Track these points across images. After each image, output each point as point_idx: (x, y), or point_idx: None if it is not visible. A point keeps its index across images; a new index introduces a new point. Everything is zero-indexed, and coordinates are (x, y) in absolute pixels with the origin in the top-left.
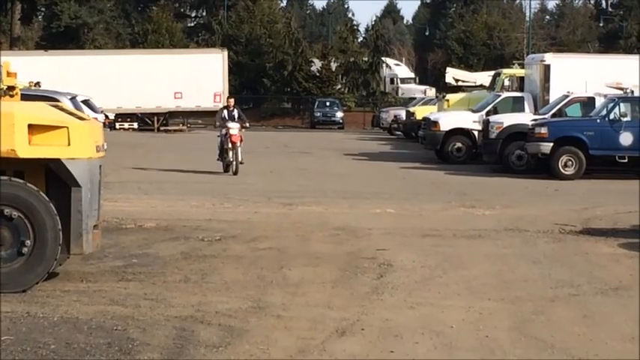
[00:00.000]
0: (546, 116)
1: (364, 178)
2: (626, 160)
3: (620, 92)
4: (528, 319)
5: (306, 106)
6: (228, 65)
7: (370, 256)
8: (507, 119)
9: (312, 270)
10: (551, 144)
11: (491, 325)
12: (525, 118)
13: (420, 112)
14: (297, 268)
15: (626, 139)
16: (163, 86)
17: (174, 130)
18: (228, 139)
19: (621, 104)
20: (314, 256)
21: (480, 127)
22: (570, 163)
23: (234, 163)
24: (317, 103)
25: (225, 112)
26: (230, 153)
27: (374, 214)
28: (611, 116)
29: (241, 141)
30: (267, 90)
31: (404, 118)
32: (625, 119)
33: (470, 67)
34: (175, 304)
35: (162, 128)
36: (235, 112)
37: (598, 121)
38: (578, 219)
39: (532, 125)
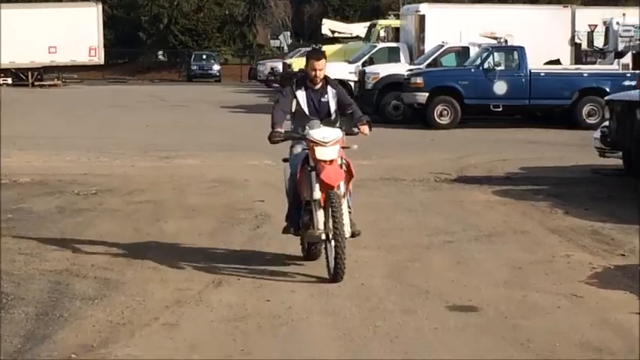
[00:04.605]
0: (422, 66)
1: (241, 131)
2: (500, 109)
3: (494, 42)
4: (403, 266)
5: (183, 60)
6: (103, 19)
7: (247, 208)
8: (383, 70)
9: (189, 222)
10: (427, 94)
11: (367, 272)
12: (401, 68)
13: (297, 64)
14: (173, 221)
15: (500, 88)
16: (37, 41)
17: (49, 85)
18: (314, 176)
19: (495, 54)
20: (190, 209)
21: (356, 78)
22: (446, 112)
23: (339, 244)
24: (193, 56)
25: (303, 95)
26: (319, 215)
27: (251, 165)
28: (485, 65)
29: (350, 177)
30: (143, 44)
31: (280, 70)
32: (499, 68)
33: (346, 19)
34: (50, 258)
35: (36, 83)
36: (329, 96)
37: (472, 70)
38: (454, 168)
39: (408, 75)
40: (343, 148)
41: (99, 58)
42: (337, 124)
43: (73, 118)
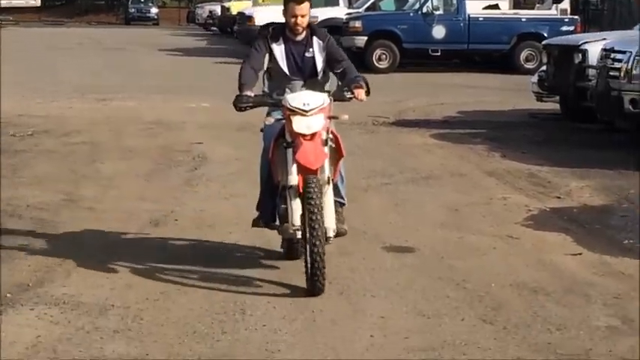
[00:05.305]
0: (360, 10)
1: (179, 74)
2: (438, 53)
3: None
4: None
5: (121, 3)
6: None
7: (184, 150)
8: (322, 13)
9: (126, 163)
10: (366, 38)
11: None
12: (340, 12)
13: (235, 7)
14: (110, 162)
15: (438, 32)
16: None
17: None
18: (290, 155)
19: None
20: (127, 150)
21: None
22: (384, 56)
23: (315, 247)
24: None
25: (280, 49)
26: (295, 206)
27: (188, 108)
28: (424, 10)
29: (339, 157)
30: None
31: (219, 13)
32: (437, 13)
33: None
34: None
35: None
36: (315, 50)
37: (411, 14)
38: (392, 111)
39: (346, 19)
40: (330, 118)
41: (35, 0)
42: (326, 87)
43: (9, 59)
